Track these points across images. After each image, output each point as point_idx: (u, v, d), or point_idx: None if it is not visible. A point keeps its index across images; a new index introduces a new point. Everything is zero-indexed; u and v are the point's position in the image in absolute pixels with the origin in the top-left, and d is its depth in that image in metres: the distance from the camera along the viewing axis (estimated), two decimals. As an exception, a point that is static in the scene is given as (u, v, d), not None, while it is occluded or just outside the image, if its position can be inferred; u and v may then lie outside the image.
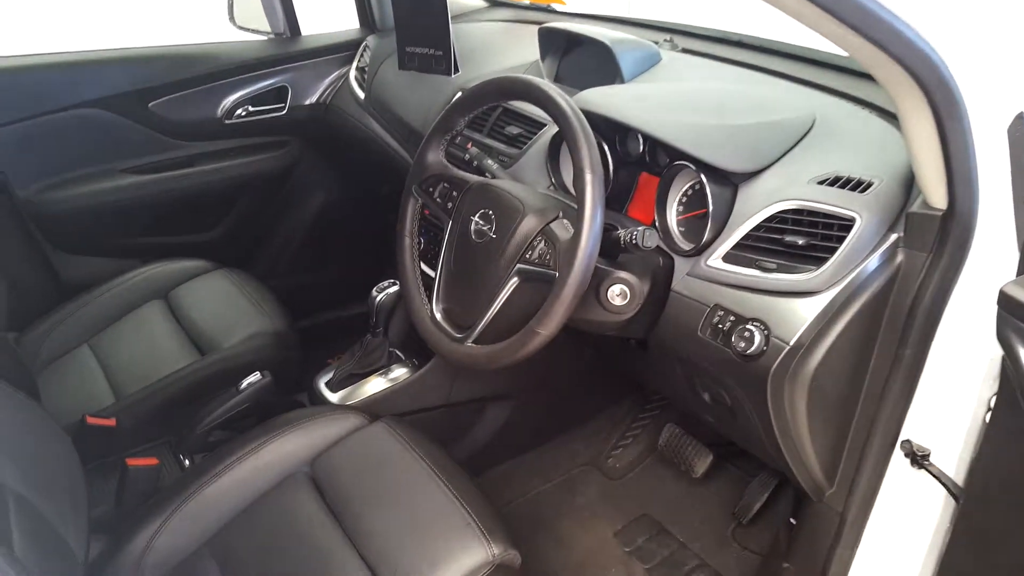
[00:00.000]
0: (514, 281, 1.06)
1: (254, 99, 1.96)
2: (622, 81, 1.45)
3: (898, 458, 1.08)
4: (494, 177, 1.29)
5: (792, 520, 1.38)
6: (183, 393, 1.42)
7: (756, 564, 1.57)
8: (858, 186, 1.01)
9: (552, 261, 1.00)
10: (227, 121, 1.93)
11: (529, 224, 1.05)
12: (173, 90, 1.86)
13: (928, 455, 1.05)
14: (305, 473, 1.23)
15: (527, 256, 1.05)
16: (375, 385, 1.51)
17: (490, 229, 1.10)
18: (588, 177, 0.96)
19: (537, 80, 1.06)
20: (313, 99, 2.02)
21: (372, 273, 2.32)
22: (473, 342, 1.10)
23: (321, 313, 2.23)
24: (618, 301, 1.08)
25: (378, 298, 1.47)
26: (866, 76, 1.30)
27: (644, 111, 1.21)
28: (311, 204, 2.15)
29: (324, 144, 2.09)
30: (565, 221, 1.06)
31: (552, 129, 1.38)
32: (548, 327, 0.98)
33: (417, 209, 1.24)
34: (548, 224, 1.05)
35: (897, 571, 1.10)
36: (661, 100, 1.27)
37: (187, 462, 1.35)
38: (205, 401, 1.42)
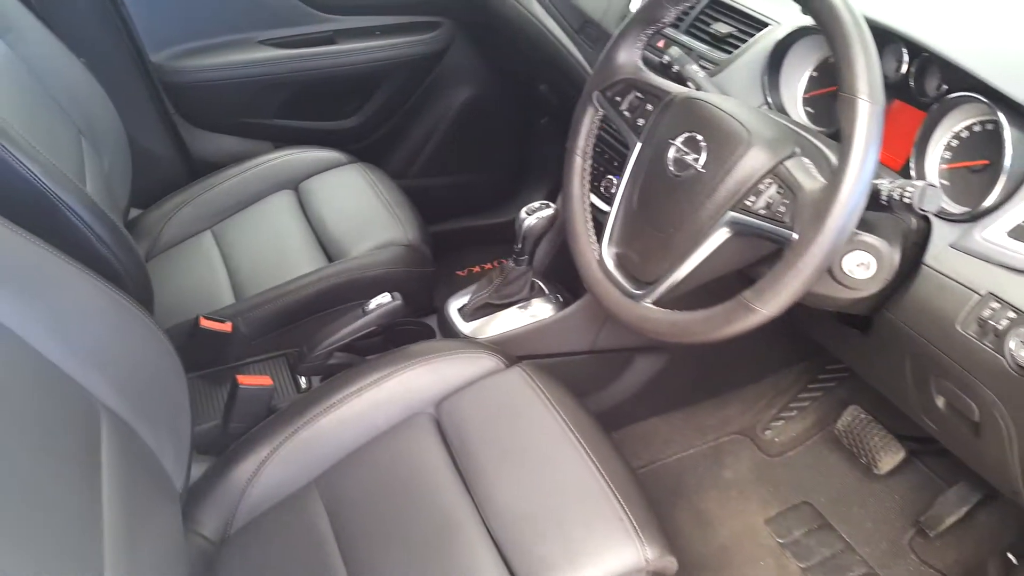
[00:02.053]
0: (723, 232, 0.81)
1: (407, -31, 1.72)
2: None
3: None
4: (699, 88, 1.01)
5: (1011, 557, 1.11)
6: (305, 303, 1.28)
7: (936, 585, 1.31)
8: None
9: (789, 216, 0.74)
10: (376, -7, 1.71)
11: (756, 159, 0.79)
12: (319, -48, 1.65)
13: None
14: (429, 415, 1.08)
15: (748, 203, 0.78)
16: (513, 320, 1.31)
17: (696, 160, 0.84)
18: (864, 106, 0.68)
19: None
20: (472, -26, 1.76)
21: (513, 182, 2.11)
22: (653, 302, 0.87)
23: (454, 220, 2.04)
24: (859, 274, 0.81)
25: (527, 221, 1.24)
26: None
27: (919, 16, 0.89)
28: (455, 98, 1.92)
29: (478, 29, 1.83)
30: (806, 161, 0.78)
31: (776, 31, 1.07)
32: (772, 305, 0.73)
33: (595, 122, 0.99)
34: (782, 163, 0.78)
35: None
36: (937, 2, 0.94)
37: (303, 382, 1.22)
38: (328, 316, 1.28)
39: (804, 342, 1.53)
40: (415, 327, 1.37)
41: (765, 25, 1.09)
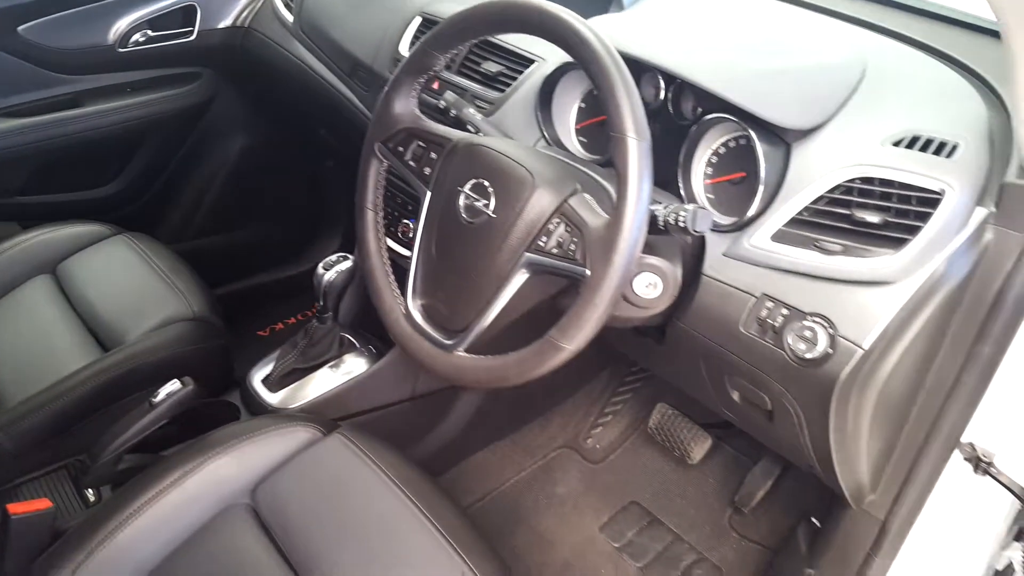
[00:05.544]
0: (522, 275, 0.82)
1: (154, 21, 1.57)
2: (619, 7, 1.18)
3: (955, 463, 0.93)
4: (478, 132, 1.02)
5: (815, 521, 1.23)
6: (82, 404, 1.12)
7: (757, 554, 1.43)
8: (941, 149, 0.82)
9: (579, 252, 0.76)
10: (121, 49, 1.55)
11: (542, 201, 0.81)
12: (50, 9, 1.47)
13: (992, 460, 0.91)
14: (245, 505, 0.99)
15: (540, 243, 0.80)
16: (324, 382, 1.25)
17: (486, 205, 0.84)
18: (634, 143, 0.72)
19: (551, 6, 0.79)
20: (228, 21, 1.65)
21: (306, 229, 2.03)
22: (465, 350, 0.86)
23: (246, 278, 1.92)
24: (648, 294, 0.86)
25: (326, 276, 1.19)
26: (923, 14, 1.11)
27: (670, 48, 0.96)
28: (228, 150, 1.80)
29: (243, 77, 1.74)
30: (587, 196, 0.81)
31: (543, 67, 1.11)
32: (575, 340, 0.75)
33: (382, 173, 0.97)
34: (566, 201, 0.80)
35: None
36: (685, 35, 1.03)
37: (91, 495, 1.07)
38: (111, 414, 1.13)
39: (608, 351, 1.60)
40: (216, 408, 1.26)
41: (531, 62, 1.13)
